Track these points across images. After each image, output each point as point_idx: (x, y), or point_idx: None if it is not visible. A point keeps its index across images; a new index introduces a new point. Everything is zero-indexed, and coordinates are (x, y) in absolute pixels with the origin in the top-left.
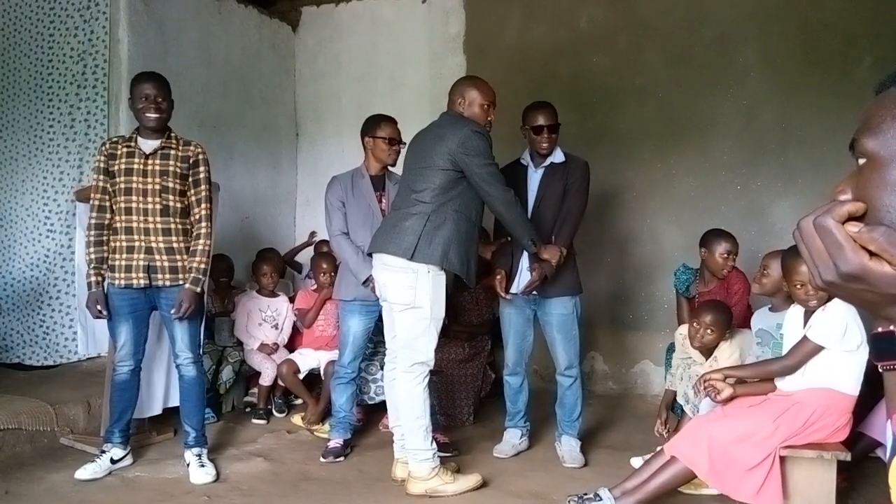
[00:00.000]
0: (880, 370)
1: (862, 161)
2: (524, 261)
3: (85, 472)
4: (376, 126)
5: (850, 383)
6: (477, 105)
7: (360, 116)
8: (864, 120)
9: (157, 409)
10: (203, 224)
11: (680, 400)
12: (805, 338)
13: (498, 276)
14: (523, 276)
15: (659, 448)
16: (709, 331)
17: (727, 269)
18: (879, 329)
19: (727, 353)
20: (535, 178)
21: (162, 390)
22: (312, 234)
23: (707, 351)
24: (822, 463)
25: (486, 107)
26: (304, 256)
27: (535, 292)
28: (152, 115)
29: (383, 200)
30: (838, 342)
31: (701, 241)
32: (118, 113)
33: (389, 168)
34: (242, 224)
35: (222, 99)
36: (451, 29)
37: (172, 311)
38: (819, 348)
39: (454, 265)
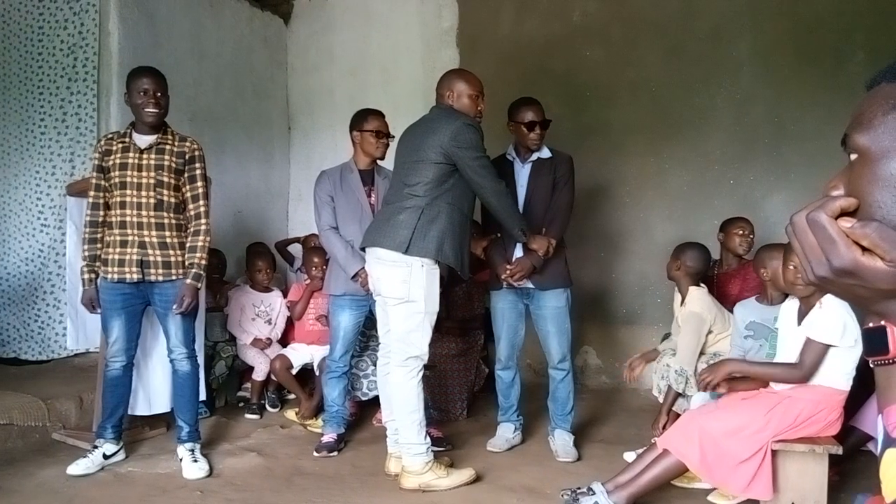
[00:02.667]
0: (871, 365)
1: (854, 156)
2: (518, 255)
3: (77, 468)
4: (363, 120)
5: (842, 379)
6: (466, 96)
7: (352, 110)
8: (856, 116)
9: (166, 406)
10: (203, 220)
11: (654, 392)
12: (809, 340)
13: (510, 268)
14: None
15: (652, 441)
16: (677, 262)
17: (745, 246)
18: (871, 324)
19: (696, 300)
20: (522, 173)
21: (170, 385)
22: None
23: (682, 294)
24: (814, 457)
25: (475, 97)
26: (297, 249)
27: (531, 284)
28: (151, 111)
29: (372, 195)
30: (840, 339)
31: (719, 228)
32: (108, 106)
33: (378, 162)
34: (235, 218)
35: (214, 92)
36: (444, 22)
37: (174, 307)
38: (827, 347)
39: (449, 258)
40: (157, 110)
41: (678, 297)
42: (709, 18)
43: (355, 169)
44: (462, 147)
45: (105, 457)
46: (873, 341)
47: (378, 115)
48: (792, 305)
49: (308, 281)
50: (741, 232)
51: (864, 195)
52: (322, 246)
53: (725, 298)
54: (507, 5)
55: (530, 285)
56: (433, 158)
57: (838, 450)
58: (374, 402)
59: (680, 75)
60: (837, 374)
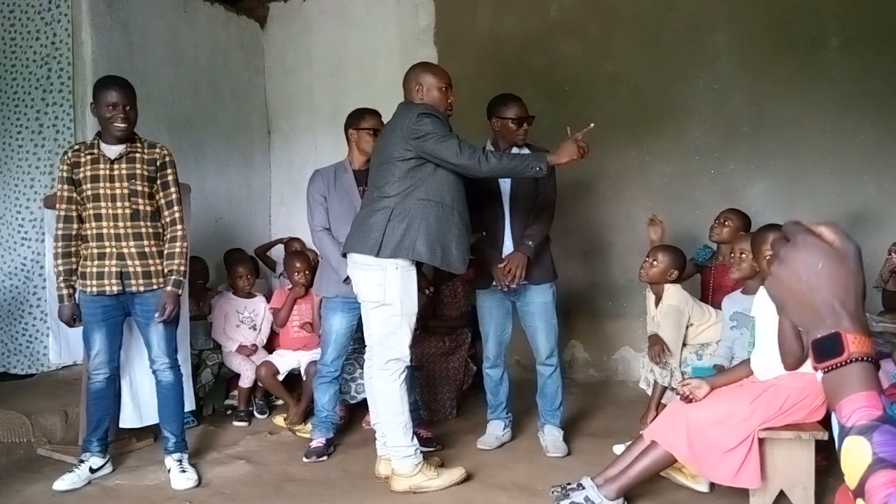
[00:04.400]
0: (820, 374)
1: None
2: (508, 250)
3: (63, 483)
4: (360, 118)
5: None
6: (435, 89)
7: (332, 111)
8: None
9: (156, 418)
10: (178, 227)
11: (642, 385)
12: (801, 332)
13: (501, 265)
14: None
15: (640, 434)
16: (654, 262)
17: (718, 234)
18: (819, 335)
19: (673, 294)
20: None
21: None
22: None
23: (656, 294)
24: (801, 443)
25: (444, 90)
26: (279, 253)
27: (525, 281)
28: (120, 126)
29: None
30: None
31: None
32: (85, 117)
33: None
34: (216, 225)
35: (191, 98)
36: (421, 21)
37: (156, 315)
38: None
39: (422, 255)
40: (125, 125)
41: (650, 296)
42: (685, 10)
43: (350, 168)
44: (421, 137)
45: (91, 471)
46: (825, 348)
47: (374, 113)
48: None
49: (290, 286)
50: (716, 222)
51: None
52: (302, 250)
53: (721, 289)
54: (484, 2)
55: (525, 282)
56: (397, 156)
57: (824, 435)
58: (364, 405)
59: (658, 67)
60: None
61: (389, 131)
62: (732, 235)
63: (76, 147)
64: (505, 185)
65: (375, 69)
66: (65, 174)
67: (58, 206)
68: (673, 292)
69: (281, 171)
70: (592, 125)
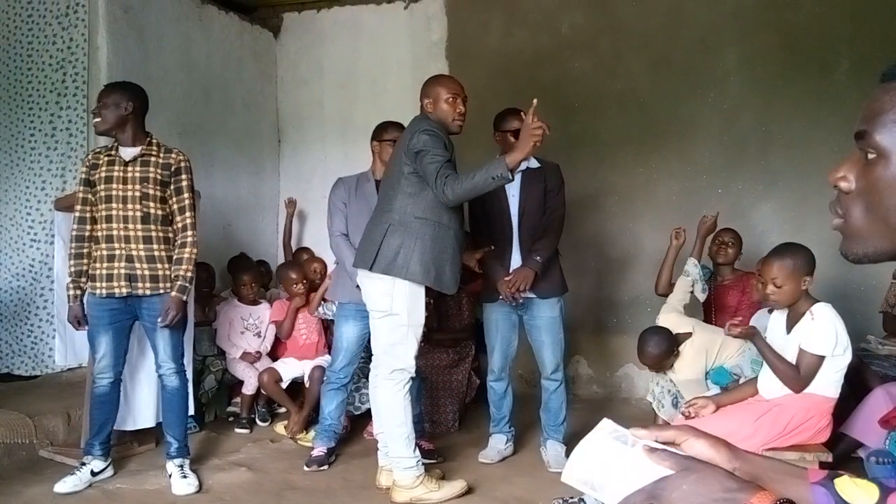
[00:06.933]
0: None
1: (871, 156)
2: (516, 265)
3: (64, 485)
4: (383, 130)
5: (831, 386)
6: (442, 101)
7: (342, 122)
8: (876, 112)
9: (150, 421)
10: (189, 232)
11: (648, 398)
12: (803, 352)
13: (507, 278)
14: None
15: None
16: (643, 355)
17: (722, 256)
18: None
19: (686, 363)
20: (513, 183)
21: (155, 401)
22: (290, 201)
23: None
24: (804, 465)
25: (450, 100)
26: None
27: (532, 294)
28: (93, 121)
29: None
30: (832, 349)
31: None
32: None
33: None
34: (224, 232)
35: (203, 106)
36: (433, 35)
37: (159, 320)
38: (821, 358)
39: (416, 275)
40: (97, 119)
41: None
42: (695, 29)
43: (372, 178)
44: (417, 153)
45: (93, 474)
46: None
47: (397, 126)
48: (781, 314)
49: (287, 298)
50: (718, 241)
51: (882, 196)
52: (298, 261)
53: (723, 310)
54: (496, 18)
55: (531, 295)
56: (398, 171)
57: (828, 457)
58: (367, 415)
59: (667, 86)
60: (826, 381)
61: (397, 146)
62: (735, 255)
63: (97, 150)
64: (513, 199)
65: (386, 82)
66: (83, 175)
67: (75, 206)
68: (686, 365)
69: (290, 181)
70: (536, 101)
